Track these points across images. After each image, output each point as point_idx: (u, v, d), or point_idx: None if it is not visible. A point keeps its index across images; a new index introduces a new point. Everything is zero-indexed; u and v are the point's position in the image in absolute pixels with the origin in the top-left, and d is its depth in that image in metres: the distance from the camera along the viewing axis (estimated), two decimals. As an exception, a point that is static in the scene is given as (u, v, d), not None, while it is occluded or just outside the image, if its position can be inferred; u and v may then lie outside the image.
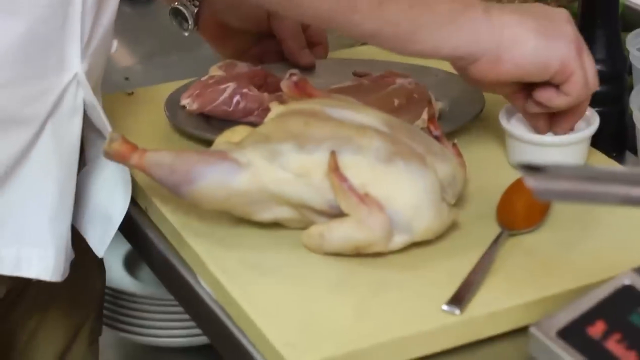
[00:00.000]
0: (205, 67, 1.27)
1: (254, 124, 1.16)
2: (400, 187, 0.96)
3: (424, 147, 1.00)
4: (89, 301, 1.27)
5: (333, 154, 0.95)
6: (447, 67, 1.29)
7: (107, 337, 1.48)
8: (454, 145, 1.06)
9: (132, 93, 1.27)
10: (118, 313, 1.39)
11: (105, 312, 1.42)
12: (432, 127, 1.06)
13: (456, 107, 1.21)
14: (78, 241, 1.07)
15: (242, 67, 1.23)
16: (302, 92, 1.05)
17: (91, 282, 1.26)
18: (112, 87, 1.35)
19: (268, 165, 0.97)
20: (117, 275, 1.45)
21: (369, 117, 1.01)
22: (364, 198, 0.95)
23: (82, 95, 1.02)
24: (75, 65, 1.01)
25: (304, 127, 0.98)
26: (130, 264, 1.50)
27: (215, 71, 1.22)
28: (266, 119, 1.03)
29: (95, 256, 1.09)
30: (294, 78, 1.05)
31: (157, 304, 1.35)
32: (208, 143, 1.13)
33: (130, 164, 0.98)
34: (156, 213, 1.05)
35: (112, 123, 1.20)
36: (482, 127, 1.19)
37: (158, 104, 1.22)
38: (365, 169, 0.97)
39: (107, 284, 1.42)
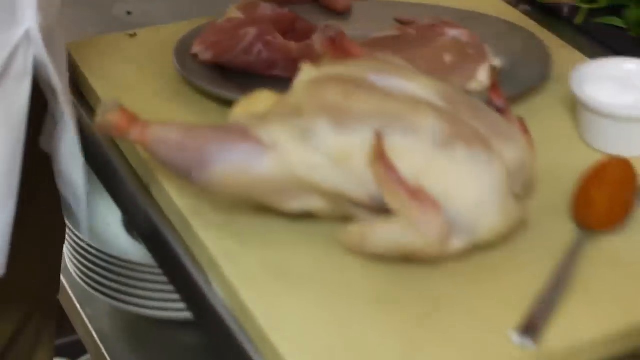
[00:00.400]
0: (224, 3, 1.07)
1: (277, 79, 0.98)
2: (462, 179, 0.78)
3: (488, 125, 0.81)
4: (28, 299, 1.07)
5: (379, 135, 0.77)
6: (505, 14, 1.10)
7: (102, 306, 1.32)
8: (520, 120, 0.87)
9: (135, 35, 1.07)
10: (113, 281, 1.22)
11: (101, 279, 1.25)
12: (494, 97, 0.87)
13: (517, 65, 1.01)
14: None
15: (266, 8, 1.03)
16: (340, 50, 0.85)
17: (28, 278, 1.04)
18: (111, 22, 1.16)
19: (298, 147, 0.78)
20: (114, 239, 1.27)
21: (422, 86, 0.81)
22: (417, 193, 0.76)
23: (32, 54, 0.84)
24: (28, 17, 0.83)
25: (343, 99, 0.79)
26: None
27: (234, 13, 1.03)
28: (296, 83, 0.83)
29: (36, 250, 0.92)
30: (330, 32, 0.86)
31: (157, 273, 1.18)
32: (225, 102, 0.95)
33: (129, 139, 0.80)
34: (161, 193, 0.86)
35: (108, 72, 1.02)
36: (548, 92, 1.00)
37: (166, 49, 1.03)
38: (419, 155, 0.78)
39: (101, 248, 1.26)
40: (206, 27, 1.02)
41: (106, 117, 0.79)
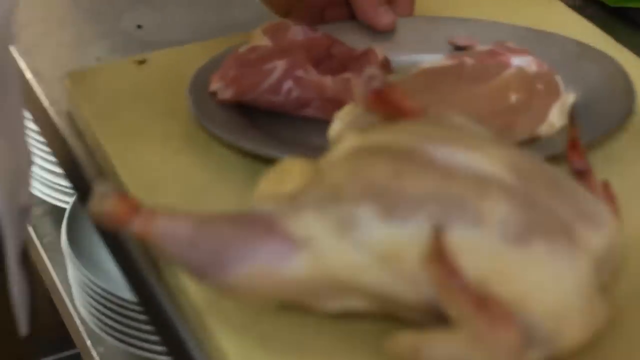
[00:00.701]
0: (245, 12, 0.92)
1: (311, 120, 0.83)
2: (539, 282, 0.62)
3: (569, 205, 0.66)
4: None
5: (437, 231, 0.62)
6: (576, 32, 0.94)
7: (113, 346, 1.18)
8: (606, 186, 0.71)
9: (144, 62, 0.92)
10: (121, 324, 1.09)
11: (109, 321, 1.12)
12: (574, 158, 0.72)
13: (593, 100, 0.85)
14: None
15: (297, 32, 0.87)
16: (387, 106, 0.70)
17: None
18: (119, 39, 1.01)
19: (337, 243, 0.63)
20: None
21: (488, 158, 0.66)
22: (484, 303, 0.61)
23: None
24: None
25: (393, 179, 0.64)
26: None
27: (258, 38, 0.87)
28: (335, 152, 0.68)
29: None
30: (374, 84, 0.70)
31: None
32: (251, 155, 0.80)
33: (131, 232, 0.65)
34: (173, 276, 0.72)
35: (111, 110, 0.87)
36: (632, 130, 0.84)
37: (180, 81, 0.87)
38: (487, 253, 0.62)
39: (108, 289, 1.12)
40: (226, 57, 0.87)
41: (102, 205, 0.64)
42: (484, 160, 0.66)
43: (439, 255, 0.62)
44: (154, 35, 1.00)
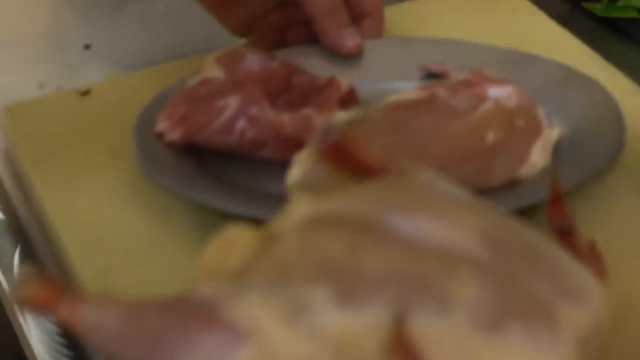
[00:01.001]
0: (207, 31, 0.84)
1: (268, 162, 0.75)
2: (516, 376, 0.55)
3: (550, 279, 0.57)
4: None
5: (399, 318, 0.54)
6: (560, 49, 0.86)
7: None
8: (592, 247, 0.63)
9: (88, 92, 0.84)
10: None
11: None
12: (556, 215, 0.64)
13: (580, 133, 0.77)
14: None
15: (252, 62, 0.79)
16: (345, 160, 0.62)
17: None
18: (64, 58, 0.92)
19: (287, 332, 0.55)
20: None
21: (457, 227, 0.57)
22: (453, 402, 0.54)
23: None
24: None
25: (350, 257, 0.55)
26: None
27: (211, 68, 0.79)
28: (285, 221, 0.60)
29: None
30: (330, 137, 0.62)
31: None
32: (202, 208, 0.72)
33: (57, 319, 0.57)
34: None
35: (49, 152, 0.79)
36: (619, 167, 0.76)
37: (128, 114, 0.79)
38: (456, 343, 0.54)
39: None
40: (175, 92, 0.78)
41: (24, 290, 0.56)
42: (453, 230, 0.57)
43: (401, 346, 0.54)
44: (104, 56, 0.92)
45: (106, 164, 0.77)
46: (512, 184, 0.73)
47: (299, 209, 0.60)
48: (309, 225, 0.58)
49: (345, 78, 0.80)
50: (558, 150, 0.75)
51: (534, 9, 0.93)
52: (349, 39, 0.83)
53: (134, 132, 0.76)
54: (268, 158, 0.75)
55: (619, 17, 0.95)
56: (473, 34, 0.87)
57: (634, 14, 0.94)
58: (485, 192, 0.72)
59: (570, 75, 0.81)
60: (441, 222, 0.58)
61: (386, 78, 0.82)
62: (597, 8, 0.95)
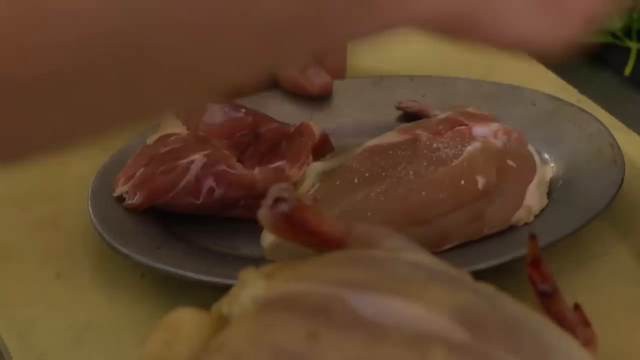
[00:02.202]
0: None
1: (240, 221, 0.66)
2: None
3: (533, 355, 0.48)
4: None
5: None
6: (533, 85, 0.77)
7: None
8: (578, 310, 0.55)
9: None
10: None
11: None
12: (536, 277, 0.54)
13: (575, 169, 0.69)
14: None
15: (215, 113, 0.70)
16: (300, 232, 0.53)
17: None
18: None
19: None
20: None
21: (430, 306, 0.48)
22: None
23: None
24: None
25: (309, 346, 0.46)
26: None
27: (170, 123, 0.69)
28: (233, 308, 0.50)
29: None
30: (282, 207, 0.52)
31: None
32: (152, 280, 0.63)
33: None
34: None
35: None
36: (614, 220, 0.68)
37: (68, 177, 0.70)
38: None
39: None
40: (134, 149, 0.69)
41: None
42: (423, 310, 0.48)
43: None
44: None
45: (41, 234, 0.68)
46: (508, 231, 0.65)
47: (251, 289, 0.50)
48: (262, 309, 0.48)
49: (317, 123, 0.71)
50: (552, 189, 0.67)
51: (503, 38, 0.85)
52: (316, 79, 0.75)
53: (91, 192, 0.67)
54: (240, 218, 0.66)
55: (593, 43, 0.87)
56: (443, 69, 0.79)
57: (608, 39, 0.86)
58: (478, 241, 0.64)
59: (558, 107, 0.73)
60: (409, 300, 0.48)
61: (358, 122, 0.74)
62: (569, 33, 0.87)
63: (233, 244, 0.65)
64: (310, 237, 0.52)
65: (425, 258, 0.53)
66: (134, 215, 0.66)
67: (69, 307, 0.63)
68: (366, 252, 0.52)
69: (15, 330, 0.62)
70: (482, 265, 0.61)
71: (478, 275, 0.52)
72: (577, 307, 0.55)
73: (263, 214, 0.52)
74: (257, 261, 0.54)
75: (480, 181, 0.65)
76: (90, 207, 0.66)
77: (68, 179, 0.71)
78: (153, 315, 0.51)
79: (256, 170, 0.66)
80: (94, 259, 0.65)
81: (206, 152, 0.65)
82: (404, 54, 0.83)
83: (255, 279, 0.50)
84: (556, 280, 0.54)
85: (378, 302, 0.48)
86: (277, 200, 0.52)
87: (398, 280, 0.50)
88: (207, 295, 0.53)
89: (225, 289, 0.50)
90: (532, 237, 0.56)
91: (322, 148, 0.70)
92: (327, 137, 0.71)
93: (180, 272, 0.61)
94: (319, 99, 0.75)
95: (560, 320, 0.53)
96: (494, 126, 0.68)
